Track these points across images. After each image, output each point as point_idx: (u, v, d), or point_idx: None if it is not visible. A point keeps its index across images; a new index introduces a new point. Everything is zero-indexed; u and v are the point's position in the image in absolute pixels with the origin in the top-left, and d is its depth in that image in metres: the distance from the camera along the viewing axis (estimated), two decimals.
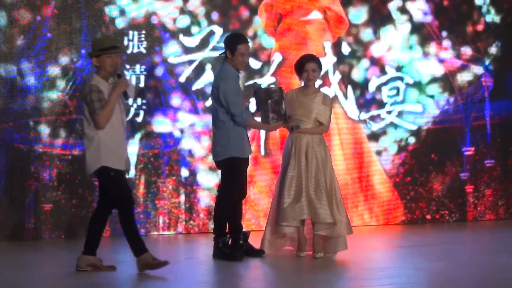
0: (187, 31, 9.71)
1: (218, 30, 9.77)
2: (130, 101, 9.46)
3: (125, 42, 9.50)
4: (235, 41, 7.89)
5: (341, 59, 10.23)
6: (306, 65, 7.95)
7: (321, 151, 7.95)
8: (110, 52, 7.07)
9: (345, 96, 10.23)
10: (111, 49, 7.08)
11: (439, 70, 10.57)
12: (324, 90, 9.77)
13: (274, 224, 8.00)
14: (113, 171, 7.02)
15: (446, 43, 10.58)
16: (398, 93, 10.43)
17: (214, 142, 7.98)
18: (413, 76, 10.47)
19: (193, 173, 9.72)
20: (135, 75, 9.52)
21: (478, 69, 10.71)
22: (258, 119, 8.06)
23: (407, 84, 10.45)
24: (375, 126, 10.35)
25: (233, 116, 7.75)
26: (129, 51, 9.51)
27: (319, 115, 7.94)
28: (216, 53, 9.62)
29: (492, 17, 10.76)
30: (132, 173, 9.49)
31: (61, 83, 9.28)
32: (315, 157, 7.90)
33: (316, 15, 10.14)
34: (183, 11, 9.69)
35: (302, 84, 8.09)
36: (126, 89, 7.14)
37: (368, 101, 10.34)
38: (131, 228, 7.11)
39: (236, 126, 7.79)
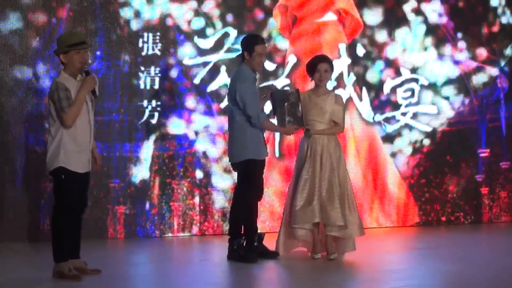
0: (201, 33, 9.72)
1: (233, 32, 9.77)
2: (145, 103, 9.49)
3: (140, 44, 9.51)
4: (253, 41, 7.90)
5: (355, 60, 10.21)
6: (319, 65, 7.95)
7: (336, 152, 7.94)
8: (79, 48, 6.91)
9: (360, 98, 10.21)
10: (79, 45, 6.91)
11: (454, 72, 10.53)
12: (339, 91, 9.75)
13: (287, 226, 8.00)
14: (66, 173, 6.90)
15: (461, 44, 10.54)
16: (413, 95, 10.40)
17: (230, 144, 7.98)
18: (428, 77, 10.44)
19: (207, 175, 9.72)
20: (149, 77, 9.54)
21: (493, 71, 10.67)
22: (273, 121, 8.07)
23: (422, 86, 10.42)
24: (390, 128, 10.33)
25: (249, 118, 7.75)
26: (143, 53, 9.52)
27: (334, 115, 7.95)
28: (231, 55, 9.64)
29: (508, 18, 10.71)
30: (146, 175, 9.51)
31: None
32: (330, 159, 7.89)
33: (330, 17, 10.12)
34: (197, 13, 9.69)
35: (313, 85, 8.09)
36: (95, 86, 6.98)
37: (383, 103, 10.31)
38: (58, 233, 6.94)
39: (252, 128, 7.80)
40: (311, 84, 8.21)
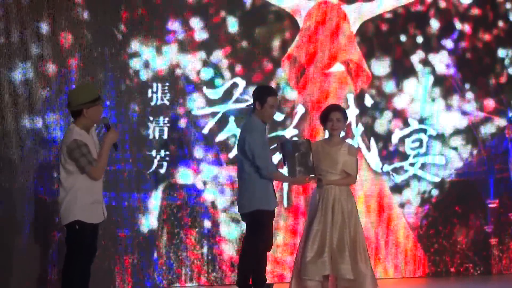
0: (210, 83, 9.76)
1: (241, 82, 9.81)
2: (154, 153, 9.51)
3: (149, 94, 9.55)
4: (265, 93, 7.93)
5: (363, 111, 10.24)
6: (331, 114, 7.93)
7: (348, 203, 7.89)
8: (98, 102, 6.97)
9: (368, 148, 10.22)
10: (99, 99, 6.98)
11: (462, 122, 10.56)
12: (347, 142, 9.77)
13: (298, 277, 7.94)
14: (81, 225, 6.87)
15: (469, 95, 10.58)
16: (421, 145, 10.41)
17: (239, 194, 7.97)
18: (436, 128, 10.46)
19: (216, 225, 9.69)
20: (158, 127, 9.56)
21: (501, 121, 10.69)
22: (283, 170, 8.05)
23: (430, 136, 10.43)
24: (398, 178, 10.32)
25: (258, 169, 7.74)
26: (152, 103, 9.56)
27: (346, 166, 7.89)
28: (239, 105, 9.67)
29: None
30: (155, 224, 9.49)
31: None
32: (341, 211, 7.83)
33: (338, 67, 10.18)
34: (206, 63, 9.75)
35: (326, 135, 8.08)
36: (116, 140, 7.04)
37: (391, 153, 10.32)
38: (69, 283, 6.92)
39: (262, 178, 7.79)
40: (319, 134, 8.20)
